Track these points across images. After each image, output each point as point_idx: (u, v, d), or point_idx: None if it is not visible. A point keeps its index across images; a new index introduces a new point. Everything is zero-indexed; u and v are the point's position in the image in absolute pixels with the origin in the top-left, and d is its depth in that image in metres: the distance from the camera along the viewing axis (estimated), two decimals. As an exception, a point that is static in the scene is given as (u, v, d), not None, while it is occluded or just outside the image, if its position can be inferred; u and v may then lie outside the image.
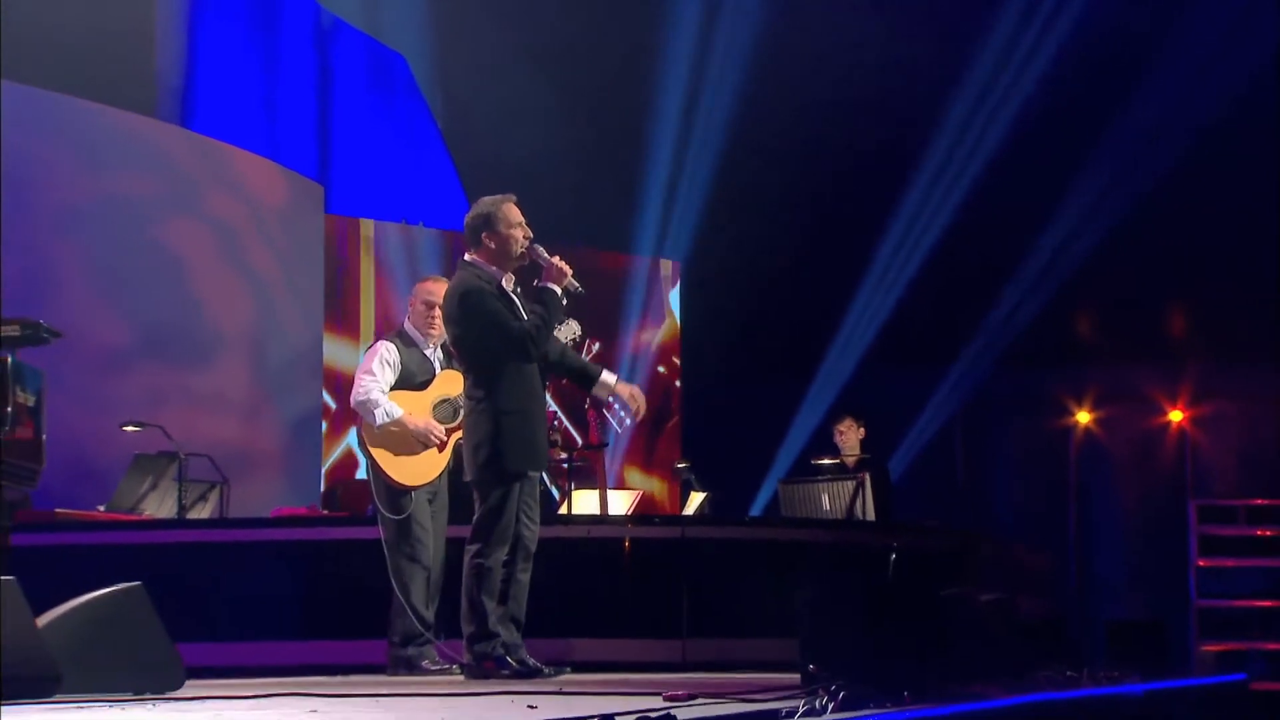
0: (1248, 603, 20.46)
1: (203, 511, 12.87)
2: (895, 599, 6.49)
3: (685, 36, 18.40)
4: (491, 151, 18.77)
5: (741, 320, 19.45)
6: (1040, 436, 21.63)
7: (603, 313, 18.71)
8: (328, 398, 17.10)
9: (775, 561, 12.28)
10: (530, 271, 9.88)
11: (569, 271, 9.65)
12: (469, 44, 18.50)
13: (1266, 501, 20.65)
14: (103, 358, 14.48)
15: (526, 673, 9.33)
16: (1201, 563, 20.65)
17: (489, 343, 9.48)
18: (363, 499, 13.31)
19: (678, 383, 19.75)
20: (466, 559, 9.49)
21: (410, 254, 17.35)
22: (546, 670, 9.45)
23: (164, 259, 15.14)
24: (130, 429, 12.86)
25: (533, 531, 9.63)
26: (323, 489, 16.00)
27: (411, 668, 10.59)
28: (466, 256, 9.78)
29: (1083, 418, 21.55)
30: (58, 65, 14.21)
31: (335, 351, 16.89)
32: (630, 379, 18.71)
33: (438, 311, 10.67)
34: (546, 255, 9.66)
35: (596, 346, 19.00)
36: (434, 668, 10.54)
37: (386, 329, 16.82)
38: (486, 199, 9.91)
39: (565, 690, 6.40)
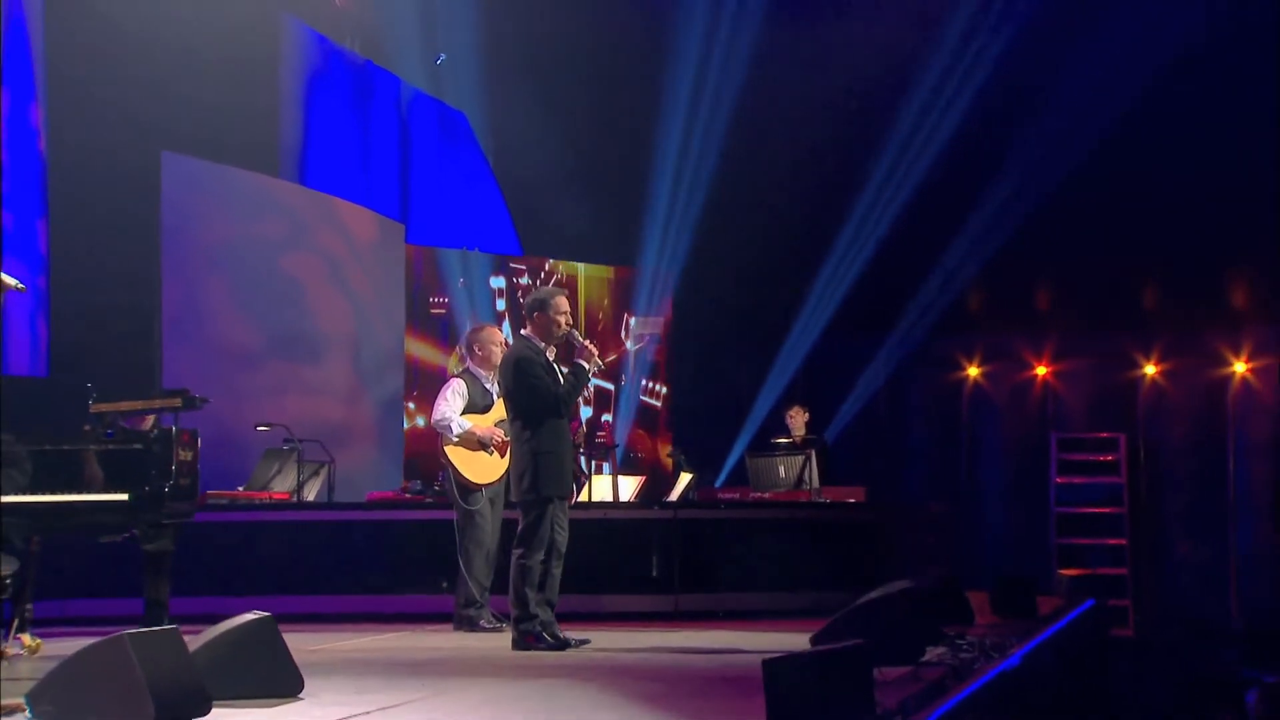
0: (1093, 509, 20.53)
1: (314, 486, 12.83)
2: (836, 663, 6.35)
3: (681, 89, 18.21)
4: (532, 186, 18.66)
5: (718, 318, 19.34)
6: (941, 387, 21.60)
7: (615, 314, 18.62)
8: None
9: (744, 534, 12.38)
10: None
11: (595, 352, 9.76)
12: (514, 101, 18.32)
13: (1107, 434, 20.71)
14: (241, 357, 14.46)
15: (559, 645, 9.45)
16: (1059, 480, 20.66)
17: (533, 400, 9.53)
18: (434, 464, 13.33)
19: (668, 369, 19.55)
20: (513, 559, 9.55)
21: (469, 273, 17.19)
22: (573, 641, 9.49)
23: (286, 283, 15.10)
24: (262, 429, 12.82)
25: (564, 536, 9.67)
26: (404, 456, 15.94)
27: (471, 625, 10.66)
28: (523, 331, 9.92)
29: (972, 372, 21.50)
30: (206, 139, 14.13)
31: (413, 349, 16.76)
32: (635, 367, 18.80)
33: (494, 349, 10.77)
34: (580, 339, 9.74)
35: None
36: (489, 626, 10.63)
37: (450, 330, 16.83)
38: (545, 289, 10.43)
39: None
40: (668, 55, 18.12)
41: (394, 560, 11.96)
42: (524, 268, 18.22)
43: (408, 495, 12.77)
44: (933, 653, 8.94)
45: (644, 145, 18.25)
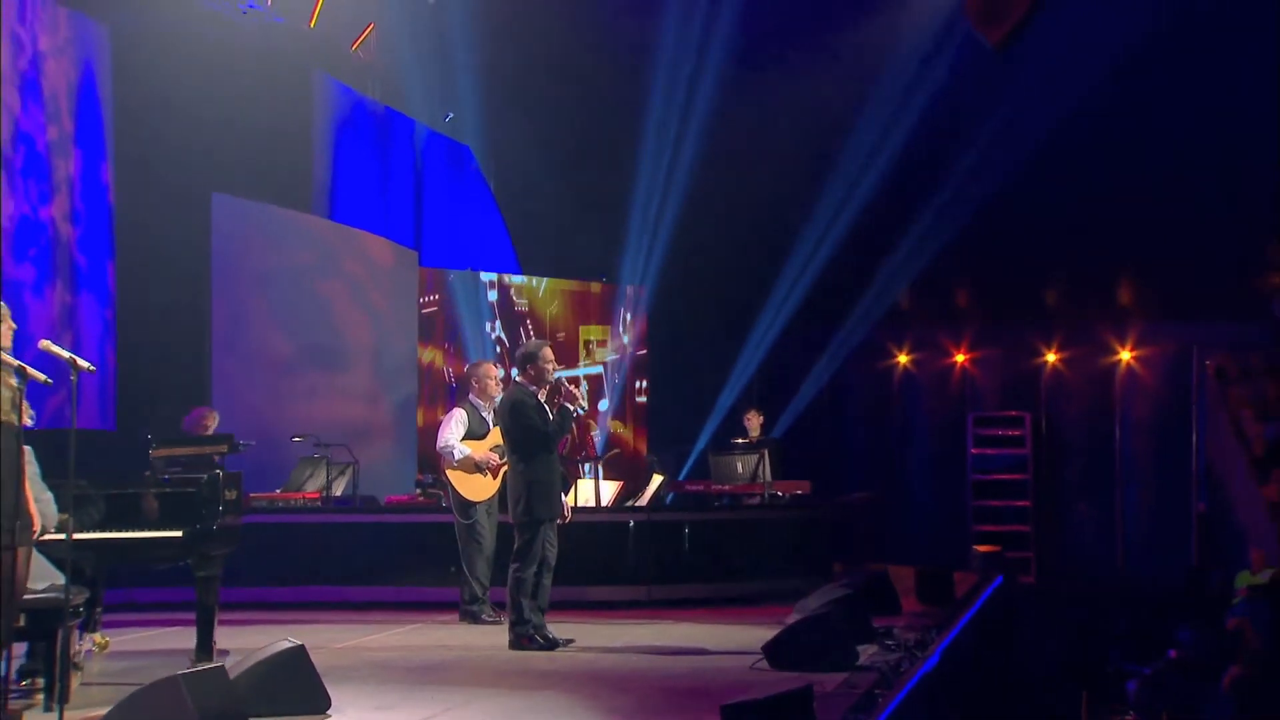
0: (1003, 476, 20.68)
1: (341, 483, 12.77)
2: (784, 707, 6.34)
3: (657, 130, 18.15)
4: (529, 211, 18.61)
5: (685, 328, 19.32)
6: (875, 372, 21.72)
7: (599, 324, 18.58)
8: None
9: (706, 533, 12.37)
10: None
11: (578, 395, 9.74)
12: (514, 136, 18.23)
13: (1015, 413, 20.86)
14: (279, 366, 14.41)
15: (548, 645, 9.47)
16: (974, 451, 20.82)
17: (527, 437, 9.55)
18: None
19: (644, 375, 19.40)
20: (510, 573, 9.55)
21: (473, 291, 17.09)
22: (560, 641, 9.49)
23: (318, 303, 15.01)
24: (297, 439, 12.75)
25: (553, 552, 9.67)
26: (417, 452, 15.87)
27: (474, 619, 10.67)
28: (516, 378, 9.91)
29: (902, 359, 21.60)
30: (250, 181, 14.04)
31: (425, 357, 16.65)
32: (614, 372, 18.72)
33: (490, 383, 10.73)
34: (567, 384, 9.71)
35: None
36: (489, 619, 10.61)
37: (455, 341, 16.73)
38: (534, 341, 10.17)
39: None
40: (645, 99, 18.09)
41: (409, 555, 11.92)
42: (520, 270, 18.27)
43: (421, 498, 12.73)
44: (865, 653, 8.96)
45: (625, 175, 18.19)
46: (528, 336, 17.48)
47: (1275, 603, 13.07)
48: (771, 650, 8.60)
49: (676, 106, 18.02)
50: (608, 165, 18.20)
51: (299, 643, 7.33)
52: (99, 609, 9.28)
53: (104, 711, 6.56)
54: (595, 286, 18.59)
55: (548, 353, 9.71)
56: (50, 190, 12.26)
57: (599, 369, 18.47)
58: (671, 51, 17.72)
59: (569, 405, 9.60)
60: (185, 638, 8.66)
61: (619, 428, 18.44)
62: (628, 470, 16.60)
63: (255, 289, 14.17)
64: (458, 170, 17.80)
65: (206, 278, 13.57)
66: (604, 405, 18.42)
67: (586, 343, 18.59)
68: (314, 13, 15.10)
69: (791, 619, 9.58)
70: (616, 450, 15.75)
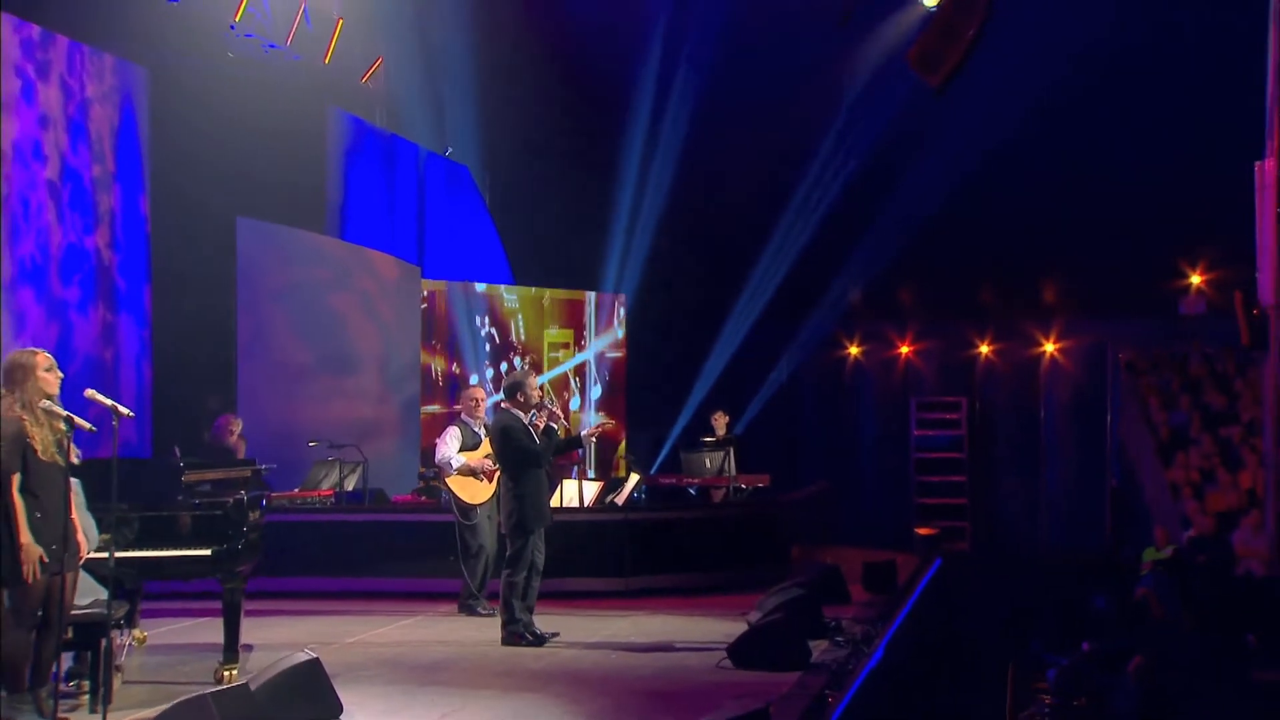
0: (942, 454, 20.88)
1: (353, 479, 12.72)
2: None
3: (638, 147, 18.16)
4: (521, 225, 18.58)
5: (662, 334, 19.33)
6: (828, 363, 21.84)
7: (581, 331, 18.53)
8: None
9: (678, 529, 12.37)
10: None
11: (561, 415, 9.74)
12: (507, 157, 18.18)
13: (952, 398, 21.07)
14: (297, 371, 14.34)
15: (537, 641, 9.47)
16: (917, 433, 21.06)
17: (517, 457, 9.51)
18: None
19: (623, 376, 19.35)
20: (503, 577, 9.55)
21: (469, 302, 17.05)
22: (547, 636, 9.50)
23: (332, 314, 14.94)
24: (313, 444, 12.71)
25: (541, 558, 9.66)
26: (420, 447, 15.83)
27: (471, 612, 10.70)
28: (503, 404, 9.76)
29: (853, 351, 21.72)
30: (271, 206, 13.97)
31: (427, 360, 16.61)
32: (597, 375, 18.70)
33: (478, 405, 10.75)
34: (550, 405, 9.70)
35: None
36: (484, 613, 10.60)
37: (443, 340, 16.70)
38: (519, 371, 10.39)
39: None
40: (627, 125, 18.15)
41: (414, 549, 11.88)
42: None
43: (424, 499, 12.72)
44: (818, 648, 9.02)
45: (608, 195, 18.19)
46: (518, 336, 17.48)
47: (1177, 576, 13.20)
48: (734, 651, 8.66)
49: (655, 132, 18.05)
50: (592, 185, 18.19)
51: (314, 655, 7.33)
52: (138, 608, 9.30)
53: (142, 712, 6.58)
54: (580, 294, 18.54)
55: (533, 380, 9.72)
56: (94, 221, 12.31)
57: (587, 355, 18.48)
58: (651, 83, 17.77)
59: (553, 424, 9.62)
60: (215, 630, 8.60)
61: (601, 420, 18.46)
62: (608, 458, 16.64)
63: (276, 303, 14.10)
64: (455, 187, 17.70)
65: (232, 294, 13.50)
66: (596, 394, 18.45)
67: (570, 344, 18.58)
68: (329, 49, 14.99)
69: (753, 616, 9.65)
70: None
